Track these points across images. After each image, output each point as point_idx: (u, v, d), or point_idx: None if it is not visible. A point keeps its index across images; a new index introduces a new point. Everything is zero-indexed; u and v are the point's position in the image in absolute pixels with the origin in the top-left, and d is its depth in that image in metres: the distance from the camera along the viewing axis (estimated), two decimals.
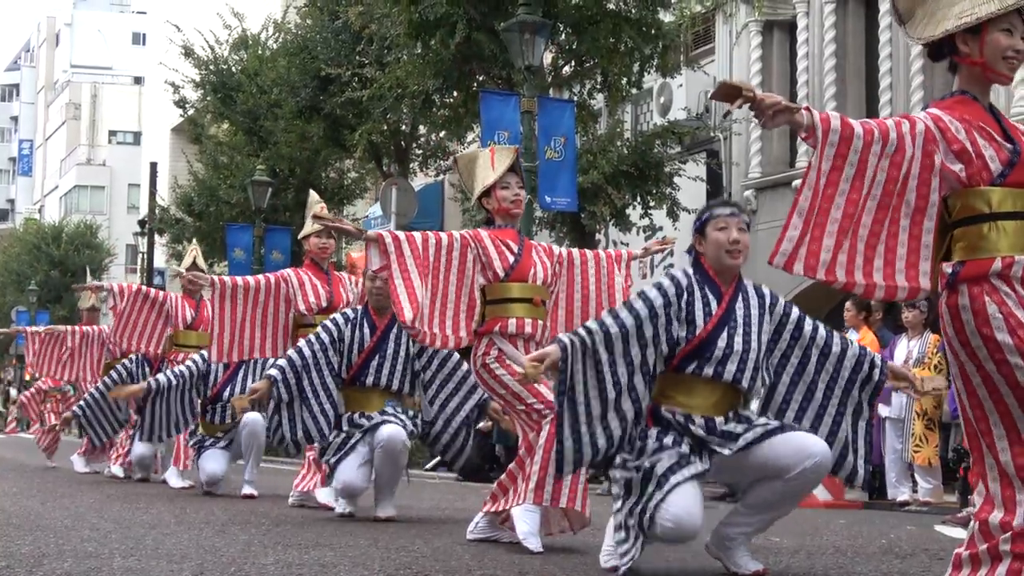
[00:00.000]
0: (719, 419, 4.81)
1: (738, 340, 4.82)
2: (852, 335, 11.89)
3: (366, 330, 7.28)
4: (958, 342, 3.85)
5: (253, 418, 9.35)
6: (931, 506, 10.67)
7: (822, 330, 4.99)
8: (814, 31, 18.02)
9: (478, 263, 6.05)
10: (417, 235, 6.01)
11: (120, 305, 10.93)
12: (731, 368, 4.81)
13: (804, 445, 4.74)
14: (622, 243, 18.54)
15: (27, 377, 46.86)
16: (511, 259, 6.08)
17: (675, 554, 5.79)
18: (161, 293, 11.40)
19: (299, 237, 9.13)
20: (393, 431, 7.06)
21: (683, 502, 4.65)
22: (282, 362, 7.28)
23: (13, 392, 43.40)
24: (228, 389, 9.62)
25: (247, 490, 9.19)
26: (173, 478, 10.64)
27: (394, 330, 7.25)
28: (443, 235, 6.08)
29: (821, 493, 11.33)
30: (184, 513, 7.43)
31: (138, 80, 68.03)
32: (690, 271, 4.94)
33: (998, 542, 3.84)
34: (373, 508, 7.25)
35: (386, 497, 7.26)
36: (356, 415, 7.25)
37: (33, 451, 17.00)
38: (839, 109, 17.47)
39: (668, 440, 4.74)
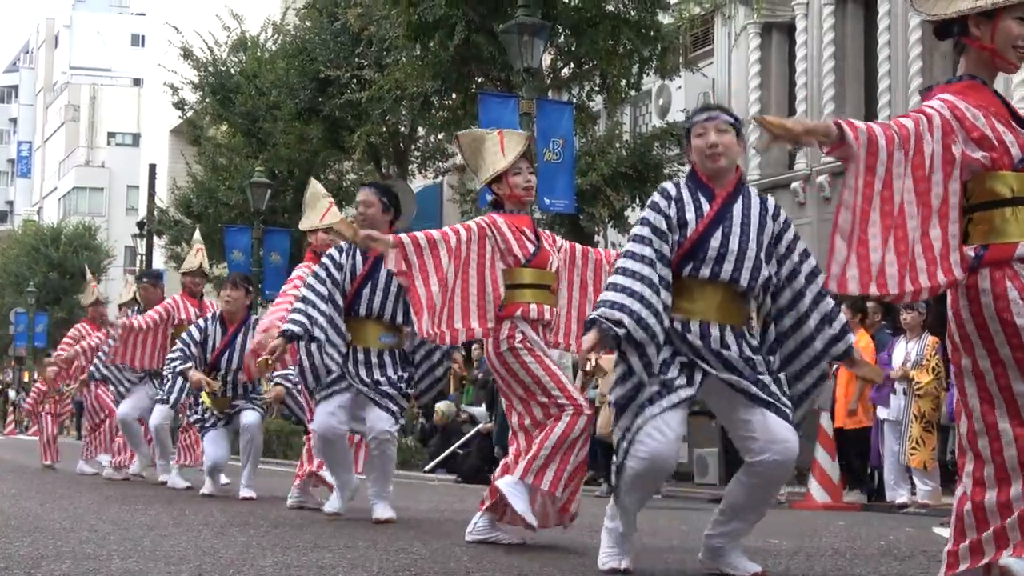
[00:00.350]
0: (719, 330, 4.72)
1: (734, 240, 4.75)
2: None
3: (359, 258, 7.16)
4: (974, 325, 3.82)
5: (250, 420, 9.32)
6: (929, 508, 10.67)
7: (810, 286, 4.81)
8: (813, 33, 18.03)
9: (497, 250, 6.03)
10: (436, 235, 5.97)
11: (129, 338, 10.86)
12: (727, 268, 4.73)
13: (776, 431, 4.66)
14: (620, 245, 18.58)
15: (24, 379, 46.93)
16: (531, 248, 6.07)
17: (674, 555, 5.79)
18: (167, 307, 11.24)
19: (303, 229, 8.91)
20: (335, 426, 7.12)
21: (659, 436, 4.63)
22: (298, 315, 7.04)
23: (12, 393, 43.39)
24: (226, 355, 9.45)
25: (245, 492, 9.18)
26: (174, 478, 10.62)
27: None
28: (460, 229, 6.02)
29: (820, 495, 11.34)
30: (183, 515, 7.42)
31: (137, 82, 68.06)
32: (682, 181, 4.93)
33: (1003, 526, 3.81)
34: (372, 510, 7.24)
35: (381, 497, 7.23)
36: (351, 363, 7.16)
37: (32, 452, 16.99)
38: (838, 110, 17.47)
39: (664, 357, 4.70)
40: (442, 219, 28.99)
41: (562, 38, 17.14)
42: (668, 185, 4.92)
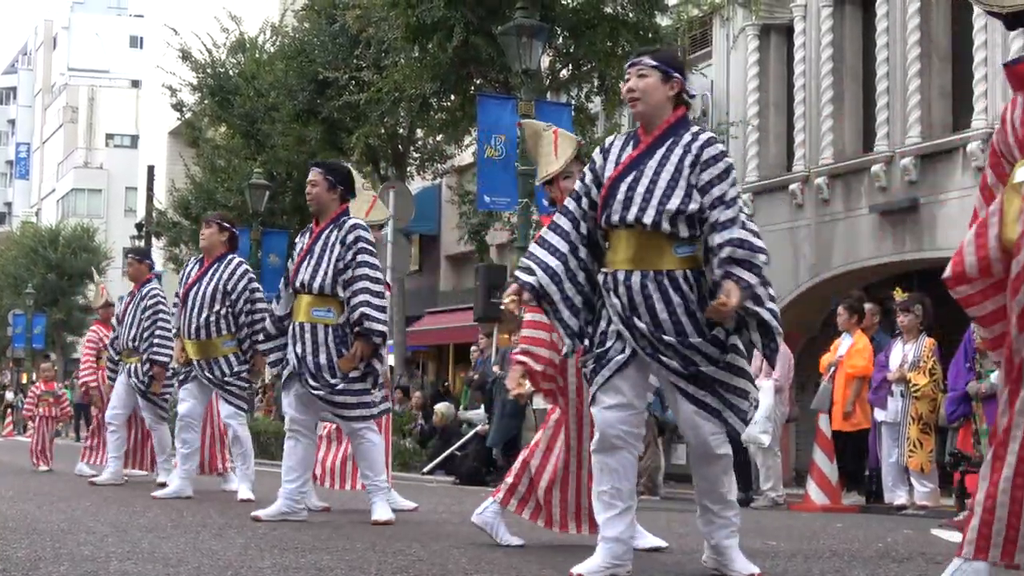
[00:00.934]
0: (639, 277, 4.61)
1: (643, 183, 4.66)
2: (846, 339, 11.91)
3: (307, 237, 7.36)
4: None
5: (223, 414, 9.41)
6: (928, 510, 10.67)
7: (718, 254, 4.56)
8: (811, 35, 18.04)
9: None
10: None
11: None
12: (633, 210, 4.64)
13: (687, 421, 4.69)
14: None
15: (23, 380, 46.89)
16: None
17: (672, 558, 5.79)
18: (93, 340, 11.74)
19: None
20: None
21: (601, 413, 4.67)
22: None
23: (9, 395, 43.36)
24: (195, 289, 9.24)
25: (244, 494, 9.17)
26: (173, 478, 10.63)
27: (326, 232, 7.25)
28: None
29: (818, 497, 11.34)
30: (181, 517, 7.42)
31: (135, 83, 68.07)
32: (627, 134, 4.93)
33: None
34: (370, 512, 7.24)
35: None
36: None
37: (27, 452, 16.98)
38: (836, 112, 17.48)
39: (601, 327, 4.71)
40: (440, 221, 28.99)
41: (560, 40, 17.15)
42: (609, 138, 4.93)
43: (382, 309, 7.12)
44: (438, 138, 22.43)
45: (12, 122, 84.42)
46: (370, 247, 7.22)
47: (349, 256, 7.14)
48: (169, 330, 10.35)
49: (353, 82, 20.90)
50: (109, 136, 70.72)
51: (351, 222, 7.26)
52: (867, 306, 12.20)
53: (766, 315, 4.60)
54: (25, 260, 49.97)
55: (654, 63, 4.82)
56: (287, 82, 23.04)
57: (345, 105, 20.84)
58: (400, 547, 5.80)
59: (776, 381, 11.64)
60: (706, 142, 4.70)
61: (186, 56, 26.33)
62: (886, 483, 11.37)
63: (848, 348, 11.82)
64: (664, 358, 4.60)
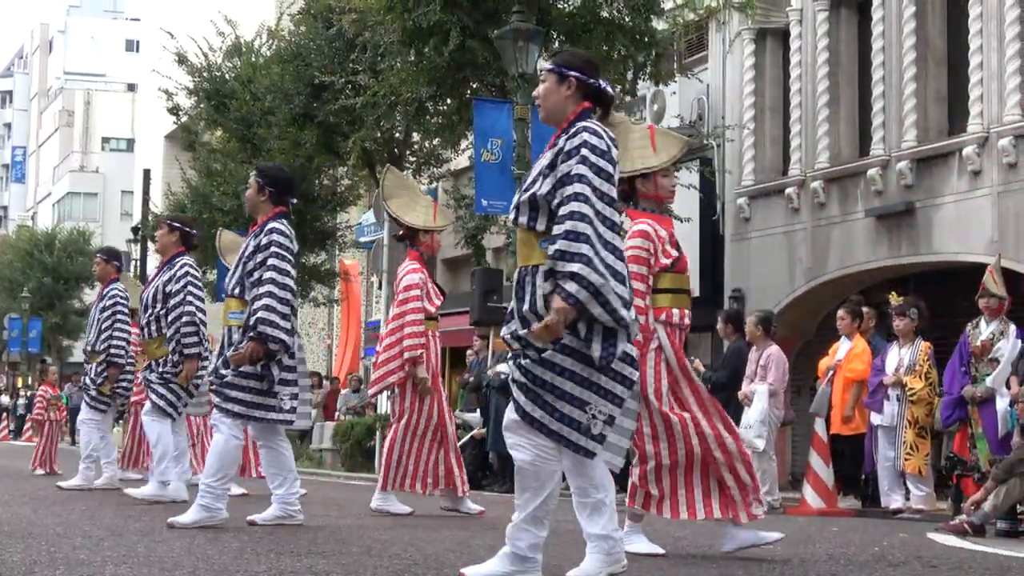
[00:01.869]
0: (520, 273, 4.59)
1: (527, 182, 4.71)
2: (845, 343, 11.92)
3: None
4: None
5: (145, 422, 9.47)
6: (924, 514, 10.67)
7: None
8: (807, 39, 18.05)
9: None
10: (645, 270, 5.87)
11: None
12: (513, 213, 4.71)
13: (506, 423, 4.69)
14: None
15: (18, 384, 46.82)
16: (674, 253, 6.05)
17: (668, 561, 5.79)
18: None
19: (416, 225, 8.74)
20: None
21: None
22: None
23: (5, 399, 43.32)
24: (148, 292, 9.39)
25: (236, 490, 9.26)
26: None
27: (253, 236, 7.31)
28: (640, 242, 5.91)
29: (814, 501, 11.35)
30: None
31: (131, 87, 68.02)
32: None
33: None
34: (368, 514, 7.24)
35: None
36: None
37: (24, 457, 16.97)
38: (832, 116, 17.49)
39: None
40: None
41: (556, 44, 17.13)
42: None
43: (284, 316, 7.03)
44: (434, 142, 22.39)
45: (8, 126, 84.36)
46: (283, 251, 7.12)
47: (259, 258, 7.16)
48: (127, 331, 10.39)
49: (349, 86, 20.87)
50: (105, 140, 70.66)
51: (271, 225, 7.22)
52: (863, 310, 12.22)
53: (605, 316, 4.44)
54: (21, 264, 49.91)
55: (550, 67, 4.87)
56: (283, 86, 23.01)
57: (341, 109, 20.81)
58: (396, 551, 5.80)
59: (771, 385, 11.64)
60: (572, 133, 4.65)
61: (182, 60, 26.29)
62: (882, 487, 11.37)
63: (847, 352, 11.83)
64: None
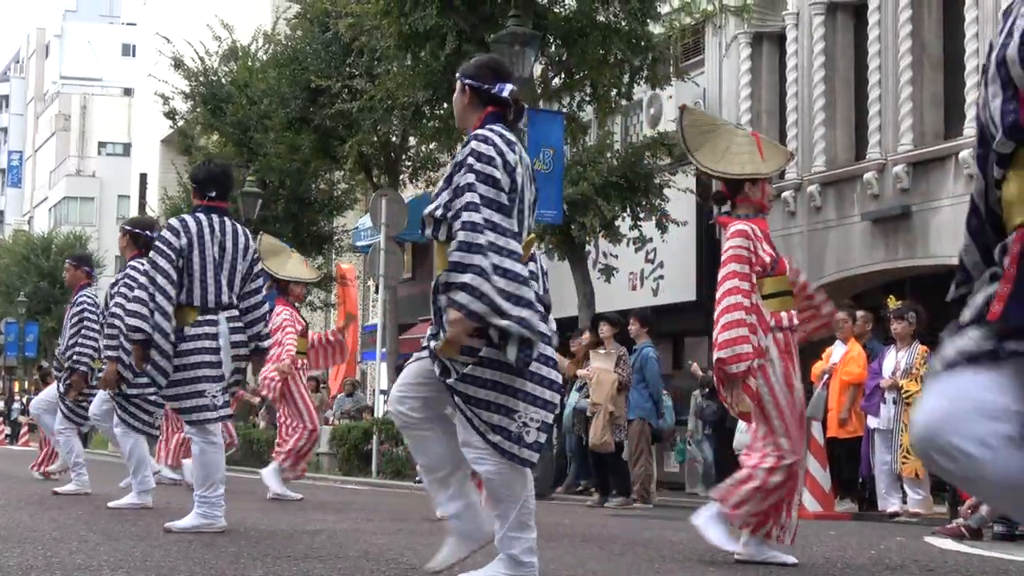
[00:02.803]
0: (434, 280, 4.57)
1: (432, 196, 4.74)
2: (839, 346, 11.93)
3: None
4: None
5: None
6: (921, 517, 10.68)
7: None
8: (803, 42, 18.06)
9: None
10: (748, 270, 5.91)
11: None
12: (420, 227, 4.74)
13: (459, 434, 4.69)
14: (611, 255, 18.57)
15: (15, 389, 46.76)
16: (772, 252, 6.06)
17: (665, 565, 5.79)
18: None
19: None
20: None
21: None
22: None
23: (1, 404, 43.28)
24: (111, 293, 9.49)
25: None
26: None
27: None
28: (743, 243, 5.94)
29: (811, 504, 11.34)
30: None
31: (128, 91, 68.00)
32: None
33: None
34: (365, 518, 7.23)
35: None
36: None
37: (20, 461, 16.95)
38: (828, 120, 17.51)
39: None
40: None
41: (553, 48, 17.15)
42: None
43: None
44: (431, 146, 22.41)
45: (4, 130, 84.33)
46: (155, 250, 7.24)
47: None
48: (93, 339, 10.25)
49: (346, 90, 20.88)
50: (101, 144, 70.64)
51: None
52: (859, 313, 12.24)
53: (503, 323, 4.38)
54: (17, 268, 49.87)
55: (457, 76, 4.88)
56: (279, 90, 23.03)
57: (338, 113, 20.83)
58: (393, 556, 5.79)
59: None
60: (465, 142, 4.66)
61: (178, 64, 26.29)
62: (879, 490, 11.38)
63: (842, 355, 11.84)
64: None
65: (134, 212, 39.30)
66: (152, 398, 9.01)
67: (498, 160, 4.52)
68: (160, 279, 7.01)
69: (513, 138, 4.68)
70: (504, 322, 4.34)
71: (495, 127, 4.67)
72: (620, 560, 5.98)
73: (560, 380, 4.65)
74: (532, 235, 4.66)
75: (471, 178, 4.47)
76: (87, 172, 69.27)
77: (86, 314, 10.37)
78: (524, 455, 4.49)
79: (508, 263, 4.38)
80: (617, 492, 12.49)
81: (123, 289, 9.09)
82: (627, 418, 12.65)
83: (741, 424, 11.41)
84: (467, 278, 4.33)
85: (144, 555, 5.56)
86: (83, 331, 10.30)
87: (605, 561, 5.94)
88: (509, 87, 4.81)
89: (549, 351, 4.54)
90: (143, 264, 8.43)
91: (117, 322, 8.80)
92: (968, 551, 7.34)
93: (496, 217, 4.43)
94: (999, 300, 2.35)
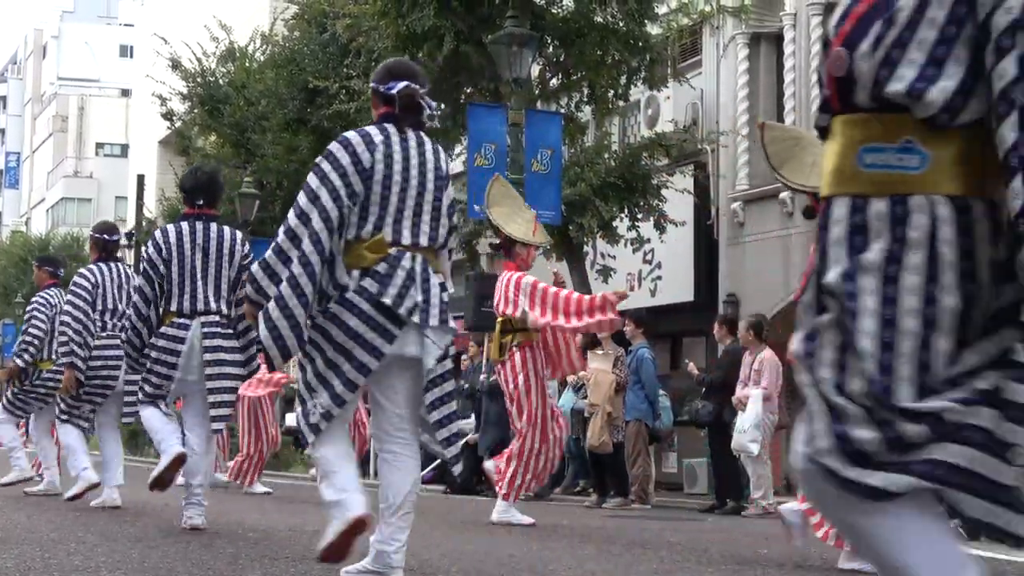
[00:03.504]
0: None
1: None
2: None
3: None
4: None
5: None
6: None
7: None
8: (801, 43, 18.07)
9: None
10: None
11: None
12: None
13: None
14: (609, 255, 18.58)
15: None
16: None
17: (663, 566, 5.79)
18: None
19: (515, 238, 8.69)
20: None
21: None
22: None
23: None
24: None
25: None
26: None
27: None
28: None
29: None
30: (171, 526, 7.41)
31: (125, 92, 67.98)
32: None
33: None
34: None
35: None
36: None
37: None
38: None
39: None
40: None
41: (551, 49, 17.15)
42: None
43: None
44: None
45: (2, 131, 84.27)
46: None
47: None
48: (36, 336, 10.48)
49: (343, 91, 20.88)
50: (99, 145, 70.62)
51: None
52: None
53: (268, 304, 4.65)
54: (15, 270, 49.85)
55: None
56: (277, 91, 23.03)
57: (335, 114, 20.82)
58: None
59: (765, 390, 11.65)
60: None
61: (176, 65, 26.29)
62: None
63: None
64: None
65: (131, 213, 39.28)
66: (88, 391, 9.37)
67: (333, 156, 4.74)
68: (136, 297, 7.49)
69: (391, 133, 4.77)
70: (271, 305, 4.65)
71: (368, 128, 4.83)
72: (619, 560, 5.98)
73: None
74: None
75: (309, 176, 4.81)
76: (84, 173, 69.24)
77: (35, 312, 10.65)
78: (306, 433, 4.68)
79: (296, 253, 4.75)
80: (615, 492, 12.49)
81: (70, 296, 9.40)
82: (624, 419, 12.66)
83: (740, 424, 11.42)
84: (254, 267, 4.86)
85: (142, 556, 5.56)
86: (30, 328, 10.55)
87: (604, 561, 5.94)
88: (401, 84, 4.82)
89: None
90: (83, 277, 9.29)
91: (67, 330, 9.06)
92: (968, 551, 7.32)
93: (299, 209, 4.78)
94: None
